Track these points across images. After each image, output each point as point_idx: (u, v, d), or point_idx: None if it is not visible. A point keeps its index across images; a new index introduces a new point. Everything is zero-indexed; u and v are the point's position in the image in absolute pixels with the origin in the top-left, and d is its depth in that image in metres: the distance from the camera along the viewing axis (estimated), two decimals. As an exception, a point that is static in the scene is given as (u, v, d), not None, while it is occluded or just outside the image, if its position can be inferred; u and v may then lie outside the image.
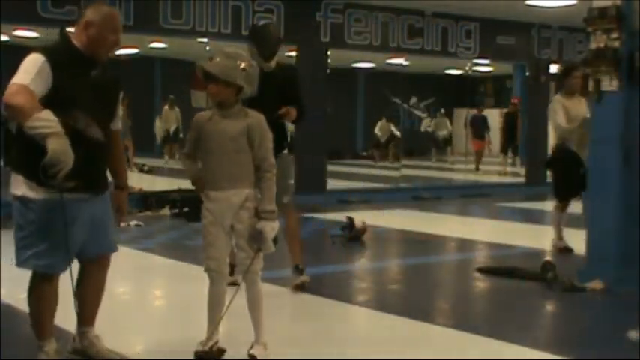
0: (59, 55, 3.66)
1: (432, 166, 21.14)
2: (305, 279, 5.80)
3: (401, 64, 20.34)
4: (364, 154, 24.73)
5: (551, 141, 7.55)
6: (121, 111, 4.06)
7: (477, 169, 19.22)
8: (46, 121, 3.34)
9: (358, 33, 12.54)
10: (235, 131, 3.96)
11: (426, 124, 21.60)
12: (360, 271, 7.24)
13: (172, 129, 18.40)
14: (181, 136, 17.44)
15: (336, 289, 5.94)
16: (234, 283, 4.26)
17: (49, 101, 3.47)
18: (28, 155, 3.47)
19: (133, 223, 8.98)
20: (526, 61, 15.28)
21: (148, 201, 10.43)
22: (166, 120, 18.51)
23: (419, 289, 6.30)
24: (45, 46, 3.76)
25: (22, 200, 3.64)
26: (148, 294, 6.22)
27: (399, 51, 13.61)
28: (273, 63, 5.68)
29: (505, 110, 19.86)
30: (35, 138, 3.36)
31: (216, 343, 4.04)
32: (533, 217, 10.64)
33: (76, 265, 3.91)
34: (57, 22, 9.96)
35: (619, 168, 5.87)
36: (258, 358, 3.95)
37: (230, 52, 3.99)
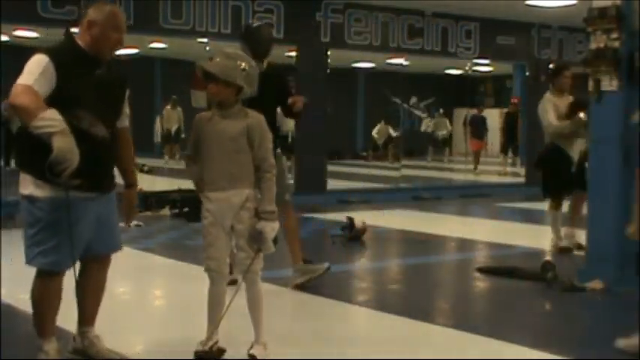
0: (63, 55, 3.68)
1: (431, 166, 21.13)
2: (324, 267, 5.95)
3: (401, 64, 20.34)
4: (364, 154, 24.77)
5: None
6: (128, 109, 4.07)
7: (475, 168, 19.23)
8: (50, 120, 3.37)
9: (358, 33, 12.54)
10: (235, 131, 3.96)
11: (426, 124, 21.61)
12: (360, 271, 7.25)
13: (174, 129, 18.42)
14: (183, 136, 17.46)
15: (336, 289, 5.94)
16: (233, 282, 4.26)
17: (53, 101, 3.50)
18: (35, 154, 3.50)
19: (133, 223, 8.94)
20: (526, 61, 15.29)
21: (148, 201, 10.42)
22: (168, 120, 18.52)
23: (419, 289, 6.30)
24: (49, 46, 3.79)
25: (30, 199, 3.68)
26: (148, 294, 6.22)
27: (399, 51, 13.61)
28: (264, 63, 5.70)
29: (505, 110, 19.87)
30: (41, 137, 3.39)
31: (216, 343, 4.04)
32: (533, 217, 10.63)
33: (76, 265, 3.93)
34: (57, 22, 9.97)
35: (619, 168, 5.87)
36: (259, 358, 3.95)
37: (230, 53, 4.00)
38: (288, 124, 13.00)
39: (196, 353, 4.00)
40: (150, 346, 4.51)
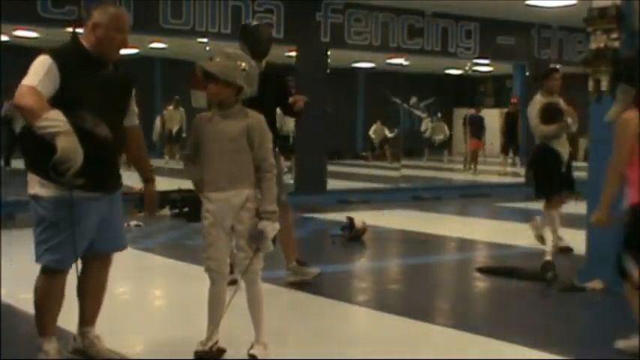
0: (67, 56, 3.72)
1: (432, 166, 21.13)
2: (316, 272, 6.00)
3: (401, 64, 20.37)
4: (364, 154, 24.80)
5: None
6: (136, 107, 4.09)
7: (470, 168, 19.24)
8: (54, 120, 3.41)
9: (358, 33, 12.55)
10: (235, 131, 3.96)
11: (426, 124, 21.61)
12: (360, 271, 7.24)
13: (175, 129, 18.42)
14: (184, 135, 17.47)
15: (336, 289, 5.94)
16: (234, 283, 4.26)
17: (57, 101, 3.54)
18: (39, 154, 3.53)
19: (133, 223, 8.97)
20: (526, 61, 15.29)
21: (148, 201, 10.41)
22: (170, 120, 18.53)
23: (419, 289, 6.30)
24: (53, 47, 3.83)
25: (36, 198, 3.73)
26: (148, 294, 6.22)
27: (399, 51, 13.62)
28: (263, 63, 5.70)
29: (505, 110, 19.86)
30: (45, 137, 3.42)
31: (216, 343, 4.04)
32: (533, 217, 10.62)
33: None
34: (57, 22, 9.99)
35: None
36: (259, 358, 3.95)
37: (230, 53, 4.00)
38: (288, 124, 13.02)
39: (196, 353, 4.00)
40: (150, 346, 4.51)
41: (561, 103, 7.57)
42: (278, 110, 5.94)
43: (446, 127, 22.43)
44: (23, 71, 3.73)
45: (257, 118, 4.03)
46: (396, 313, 5.23)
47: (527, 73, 15.59)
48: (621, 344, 4.34)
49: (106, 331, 4.11)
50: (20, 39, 17.21)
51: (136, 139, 4.14)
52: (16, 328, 4.79)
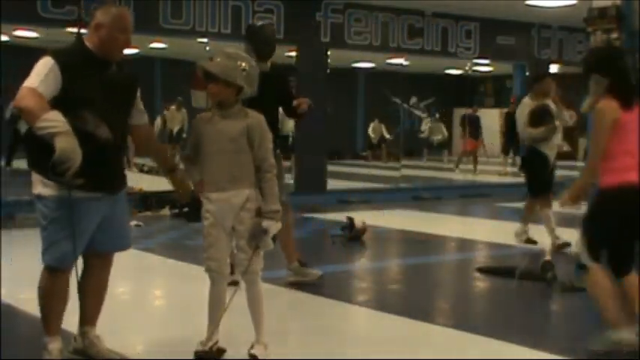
0: (70, 57, 3.74)
1: (432, 166, 21.14)
2: (318, 273, 6.00)
3: (401, 64, 20.37)
4: (364, 154, 24.80)
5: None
6: (142, 106, 4.11)
7: (457, 167, 19.33)
8: (53, 121, 3.42)
9: (358, 33, 12.54)
10: (235, 131, 3.96)
11: (426, 124, 21.60)
12: (360, 271, 7.25)
13: (176, 129, 18.41)
14: (184, 136, 17.46)
15: (336, 289, 5.94)
16: (234, 283, 4.26)
17: (59, 102, 3.56)
18: (42, 155, 3.55)
19: (133, 223, 8.98)
20: (526, 61, 15.28)
21: (148, 201, 10.42)
22: (171, 120, 18.53)
23: (419, 289, 6.30)
24: (56, 48, 3.85)
25: (39, 198, 3.76)
26: (148, 294, 6.22)
27: (399, 51, 13.62)
28: (268, 63, 5.71)
29: (505, 110, 19.86)
30: (45, 138, 3.44)
31: (217, 343, 4.04)
32: (532, 217, 10.62)
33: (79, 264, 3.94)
34: (57, 22, 9.99)
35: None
36: (259, 358, 3.95)
37: (231, 53, 4.00)
38: (288, 125, 13.01)
39: (196, 353, 4.00)
40: (150, 346, 4.51)
41: (551, 105, 7.65)
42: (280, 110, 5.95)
43: (444, 128, 22.41)
44: (23, 71, 3.74)
45: (257, 118, 4.03)
46: (396, 313, 5.23)
47: (527, 73, 15.58)
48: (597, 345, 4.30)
49: (106, 331, 4.11)
50: (20, 39, 17.21)
51: (148, 136, 4.25)
52: (16, 328, 4.79)
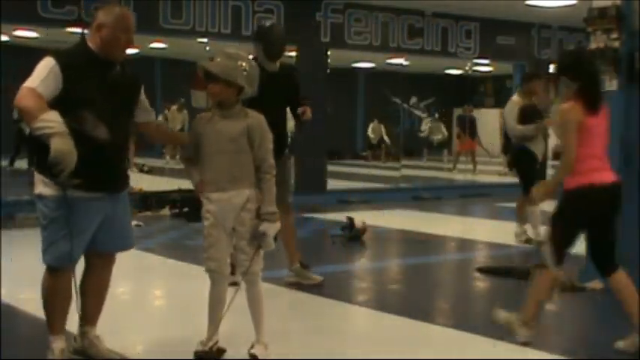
0: (72, 58, 3.76)
1: (432, 166, 21.13)
2: (319, 279, 5.99)
3: (401, 64, 20.33)
4: (364, 154, 24.80)
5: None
6: (148, 104, 4.14)
7: (454, 167, 19.28)
8: (49, 121, 3.43)
9: (358, 33, 12.54)
10: (235, 132, 3.96)
11: (426, 124, 21.59)
12: (360, 271, 7.25)
13: (177, 129, 18.42)
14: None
15: (336, 289, 5.94)
16: (234, 284, 4.26)
17: (59, 102, 3.57)
18: (42, 154, 3.56)
19: (133, 223, 8.96)
20: (526, 61, 15.27)
21: (148, 201, 10.43)
22: (172, 120, 18.53)
23: (419, 289, 6.30)
24: (59, 49, 3.87)
25: (40, 197, 3.78)
26: (148, 294, 6.22)
27: (399, 51, 13.61)
28: (277, 63, 5.71)
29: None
30: (41, 138, 3.45)
31: (217, 343, 4.05)
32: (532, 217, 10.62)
33: (80, 264, 3.95)
34: (57, 22, 9.98)
35: (619, 168, 5.86)
36: (259, 358, 3.95)
37: (231, 53, 3.99)
38: (288, 124, 13.00)
39: (196, 353, 4.00)
40: (150, 346, 4.51)
41: (539, 104, 7.87)
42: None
43: (443, 127, 22.41)
44: (23, 71, 3.74)
45: (257, 118, 4.03)
46: (396, 313, 5.23)
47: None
48: (621, 344, 4.35)
49: (106, 331, 4.12)
50: (20, 39, 17.21)
51: (159, 130, 4.36)
52: (16, 328, 4.79)
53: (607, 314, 5.50)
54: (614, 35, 5.85)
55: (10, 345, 4.26)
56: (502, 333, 4.62)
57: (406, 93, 18.99)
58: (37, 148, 3.66)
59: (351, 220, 8.40)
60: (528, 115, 7.64)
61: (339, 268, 6.92)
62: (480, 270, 6.72)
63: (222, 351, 4.06)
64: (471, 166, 19.03)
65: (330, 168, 13.46)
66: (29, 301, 4.79)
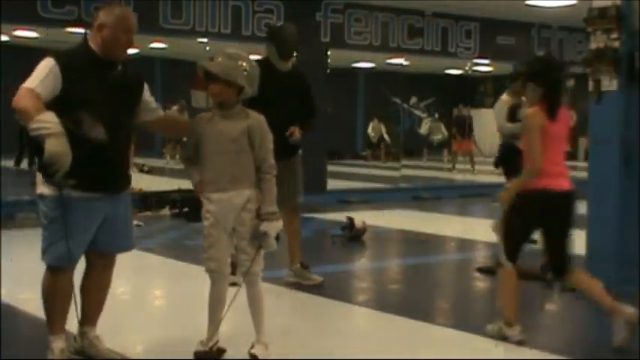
0: (72, 58, 3.76)
1: (431, 166, 21.14)
2: (319, 279, 5.98)
3: (401, 64, 20.35)
4: (364, 154, 24.81)
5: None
6: (154, 103, 4.14)
7: (453, 167, 19.24)
8: (45, 122, 3.43)
9: (358, 33, 12.54)
10: (236, 132, 3.96)
11: (426, 124, 21.60)
12: (360, 271, 7.25)
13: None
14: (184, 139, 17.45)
15: (336, 289, 5.94)
16: (234, 284, 4.26)
17: (59, 102, 3.58)
18: (40, 154, 3.56)
19: (133, 222, 8.98)
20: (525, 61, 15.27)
21: (148, 201, 10.43)
22: None
23: (419, 289, 6.30)
24: (59, 49, 3.88)
25: (41, 197, 3.79)
26: (148, 294, 6.22)
27: (399, 51, 13.61)
28: (290, 63, 5.70)
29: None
30: (37, 139, 3.45)
31: (217, 343, 4.04)
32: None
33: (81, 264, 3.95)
34: (57, 22, 9.98)
35: (619, 168, 5.87)
36: (260, 357, 3.95)
37: (231, 53, 3.99)
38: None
39: (196, 353, 4.00)
40: (150, 346, 4.51)
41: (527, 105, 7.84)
42: None
43: (443, 127, 22.42)
44: (23, 71, 3.74)
45: (257, 118, 4.03)
46: (396, 313, 5.23)
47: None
48: (618, 341, 4.39)
49: (106, 331, 4.12)
50: (20, 39, 17.22)
51: (169, 122, 4.44)
52: (15, 328, 4.79)
53: (607, 314, 5.49)
54: (614, 35, 5.85)
55: (10, 345, 4.26)
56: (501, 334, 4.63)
57: (406, 93, 19.00)
58: (37, 148, 3.67)
59: (351, 220, 8.40)
60: (518, 113, 7.65)
61: (339, 268, 6.92)
62: (480, 270, 6.72)
63: (222, 351, 4.06)
64: (469, 166, 19.04)
65: (330, 168, 13.47)
66: (29, 301, 4.80)
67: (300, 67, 6.19)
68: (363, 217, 8.69)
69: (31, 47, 15.93)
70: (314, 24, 12.02)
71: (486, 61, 18.79)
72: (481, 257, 7.79)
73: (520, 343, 4.45)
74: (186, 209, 9.82)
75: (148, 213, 10.15)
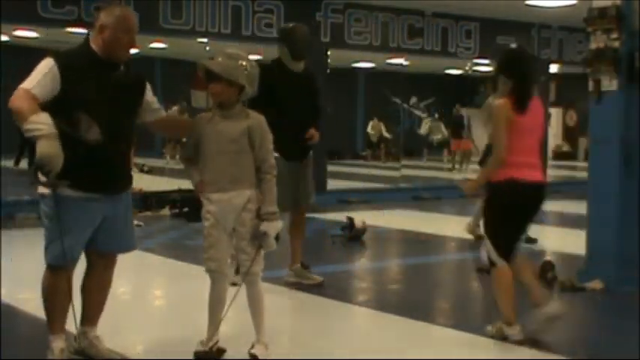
0: (72, 59, 3.76)
1: (431, 166, 21.14)
2: (319, 279, 5.98)
3: (401, 64, 20.34)
4: (364, 154, 24.82)
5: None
6: (157, 103, 4.14)
7: (453, 167, 19.32)
8: (38, 123, 3.43)
9: (358, 33, 12.54)
10: (236, 132, 3.96)
11: (426, 124, 21.61)
12: (360, 271, 7.25)
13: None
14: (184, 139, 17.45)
15: (336, 289, 5.94)
16: (235, 284, 4.26)
17: (58, 103, 3.58)
18: (33, 155, 3.55)
19: (133, 223, 8.98)
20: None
21: (148, 201, 10.43)
22: None
23: (419, 289, 6.30)
24: (60, 49, 3.88)
25: (42, 197, 3.80)
26: (148, 294, 6.22)
27: (399, 51, 13.61)
28: (302, 64, 5.71)
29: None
30: (31, 140, 3.46)
31: (217, 343, 4.04)
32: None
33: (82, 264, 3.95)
34: (57, 22, 9.98)
35: (619, 168, 5.87)
36: (260, 357, 3.95)
37: (232, 53, 3.99)
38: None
39: (196, 353, 4.00)
40: (150, 346, 4.51)
41: None
42: None
43: (443, 127, 22.44)
44: (23, 71, 3.73)
45: (258, 118, 4.03)
46: (396, 313, 5.23)
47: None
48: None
49: (106, 331, 4.12)
50: (20, 39, 17.21)
51: (170, 122, 4.42)
52: (15, 328, 4.79)
53: (607, 314, 5.50)
54: (614, 35, 5.86)
55: (10, 345, 4.26)
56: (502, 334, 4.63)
57: (406, 93, 19.01)
58: (32, 149, 3.66)
59: (351, 220, 8.40)
60: None
61: (339, 268, 6.92)
62: (480, 270, 6.71)
63: (222, 351, 4.06)
64: (470, 166, 19.03)
65: (330, 168, 13.46)
66: (29, 301, 4.80)
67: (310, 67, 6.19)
68: (363, 217, 8.69)
69: (31, 47, 15.93)
70: (314, 24, 12.00)
71: (486, 61, 18.75)
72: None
73: (519, 342, 4.44)
74: (186, 209, 9.81)
75: (148, 213, 10.15)
